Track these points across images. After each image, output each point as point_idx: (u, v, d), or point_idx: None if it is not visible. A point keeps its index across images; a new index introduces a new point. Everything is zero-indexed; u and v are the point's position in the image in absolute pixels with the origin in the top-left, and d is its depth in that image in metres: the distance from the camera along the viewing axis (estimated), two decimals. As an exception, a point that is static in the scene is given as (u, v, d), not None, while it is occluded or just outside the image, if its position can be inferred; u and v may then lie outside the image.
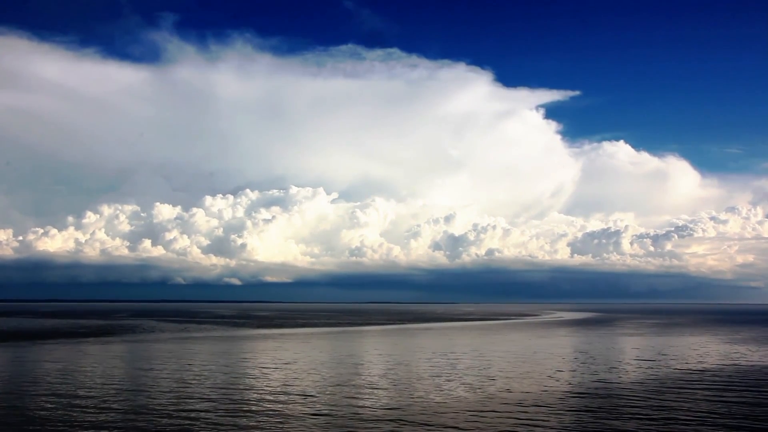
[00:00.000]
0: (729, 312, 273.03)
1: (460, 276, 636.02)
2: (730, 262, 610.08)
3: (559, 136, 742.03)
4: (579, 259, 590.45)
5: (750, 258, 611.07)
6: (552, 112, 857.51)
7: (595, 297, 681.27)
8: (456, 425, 25.59)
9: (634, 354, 56.08)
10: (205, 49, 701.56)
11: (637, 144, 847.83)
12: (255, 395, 32.51)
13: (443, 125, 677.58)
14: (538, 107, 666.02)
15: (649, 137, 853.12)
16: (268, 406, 29.59)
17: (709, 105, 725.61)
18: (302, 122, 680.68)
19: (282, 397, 31.81)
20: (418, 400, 31.29)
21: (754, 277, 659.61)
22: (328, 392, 33.50)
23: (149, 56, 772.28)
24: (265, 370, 42.78)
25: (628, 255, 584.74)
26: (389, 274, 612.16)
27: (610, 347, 64.32)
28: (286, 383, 36.78)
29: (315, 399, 31.44)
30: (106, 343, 68.44)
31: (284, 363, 47.59)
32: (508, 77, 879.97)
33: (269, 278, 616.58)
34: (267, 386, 35.55)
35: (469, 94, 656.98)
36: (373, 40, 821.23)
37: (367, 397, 32.17)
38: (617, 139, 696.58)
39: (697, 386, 35.92)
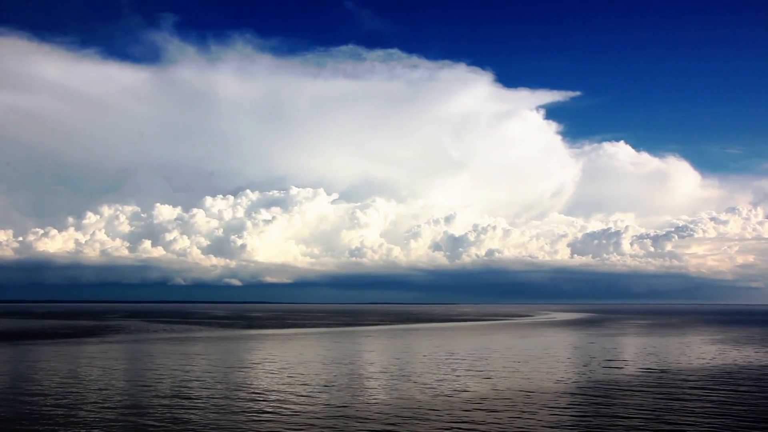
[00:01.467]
0: (727, 312, 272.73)
1: (460, 276, 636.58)
2: (731, 263, 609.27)
3: (559, 137, 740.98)
4: (579, 260, 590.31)
5: (750, 258, 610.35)
6: (552, 112, 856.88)
7: (596, 298, 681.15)
8: (384, 424, 25.71)
9: (601, 354, 56.00)
10: (206, 49, 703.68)
11: (638, 144, 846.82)
12: (200, 395, 32.64)
13: (443, 126, 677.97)
14: (538, 108, 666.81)
15: (649, 138, 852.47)
16: (213, 405, 29.72)
17: (710, 105, 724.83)
18: (303, 123, 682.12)
19: (228, 397, 31.95)
20: (358, 399, 31.40)
21: (755, 278, 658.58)
22: (277, 392, 33.61)
23: (149, 57, 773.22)
24: (225, 371, 42.90)
25: (628, 255, 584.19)
26: (389, 274, 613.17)
27: (582, 347, 64.29)
28: (241, 383, 36.89)
29: (263, 398, 31.56)
30: (84, 344, 68.61)
31: (253, 363, 47.72)
32: (509, 78, 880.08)
33: (269, 279, 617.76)
34: (217, 385, 35.66)
35: (469, 94, 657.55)
36: (373, 40, 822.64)
37: (313, 397, 32.27)
38: (617, 139, 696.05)
39: (646, 387, 35.99)
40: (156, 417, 27.26)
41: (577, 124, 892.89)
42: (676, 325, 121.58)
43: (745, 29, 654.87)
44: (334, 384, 36.86)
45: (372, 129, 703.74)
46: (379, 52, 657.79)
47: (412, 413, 28.15)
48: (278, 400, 31.52)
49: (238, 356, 54.63)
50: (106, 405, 29.98)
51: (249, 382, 37.51)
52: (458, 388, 35.22)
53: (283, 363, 48.22)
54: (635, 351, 60.17)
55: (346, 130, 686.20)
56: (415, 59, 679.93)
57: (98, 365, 46.45)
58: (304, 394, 33.40)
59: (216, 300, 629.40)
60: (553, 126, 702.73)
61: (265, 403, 30.67)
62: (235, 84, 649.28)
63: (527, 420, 26.79)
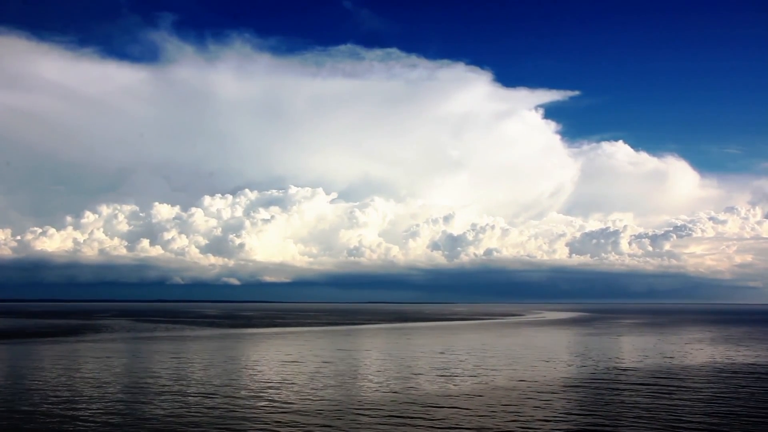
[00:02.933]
0: (723, 312, 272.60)
1: (459, 276, 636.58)
2: (729, 262, 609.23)
3: (558, 136, 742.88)
4: (577, 259, 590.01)
5: (749, 258, 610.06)
6: (551, 112, 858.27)
7: (594, 297, 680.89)
8: (325, 424, 25.73)
9: (570, 352, 55.99)
10: (204, 49, 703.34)
11: (636, 144, 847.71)
12: (152, 393, 32.67)
13: (442, 125, 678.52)
14: (537, 107, 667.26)
15: (648, 137, 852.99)
16: (160, 403, 29.75)
17: (708, 105, 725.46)
18: (301, 122, 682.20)
19: (182, 393, 31.97)
20: (306, 397, 31.42)
21: (753, 277, 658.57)
22: (224, 392, 33.61)
23: (148, 56, 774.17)
24: (188, 369, 42.91)
25: (626, 255, 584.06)
26: (387, 274, 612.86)
27: (555, 345, 64.29)
28: (199, 382, 36.89)
29: (214, 396, 31.57)
30: (58, 343, 68.65)
31: (219, 362, 47.74)
32: (508, 77, 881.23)
33: (268, 278, 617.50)
34: (174, 384, 35.68)
35: (468, 94, 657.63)
36: (372, 40, 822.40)
37: (250, 397, 32.28)
38: (616, 139, 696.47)
39: (601, 385, 36.00)
40: (102, 414, 27.29)
41: (576, 123, 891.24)
42: (661, 325, 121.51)
43: (745, 29, 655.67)
44: (287, 383, 36.88)
45: (371, 128, 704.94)
46: (378, 52, 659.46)
47: (332, 413, 28.18)
48: (228, 397, 31.54)
49: (207, 354, 54.61)
50: (52, 403, 30.01)
51: (205, 381, 37.51)
52: (407, 387, 35.25)
53: (248, 361, 48.25)
54: (605, 349, 60.10)
55: (345, 130, 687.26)
56: (413, 59, 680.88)
57: (62, 364, 46.51)
58: (253, 393, 33.41)
59: (214, 299, 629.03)
60: (551, 125, 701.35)
61: (216, 400, 30.68)
62: (234, 83, 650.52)
63: (461, 419, 26.81)
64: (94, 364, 46.39)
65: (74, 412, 27.94)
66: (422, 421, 26.33)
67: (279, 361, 48.85)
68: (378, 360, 50.54)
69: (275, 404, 30.07)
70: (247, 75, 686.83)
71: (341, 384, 36.66)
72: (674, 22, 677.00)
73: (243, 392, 33.55)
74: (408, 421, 26.46)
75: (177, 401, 30.75)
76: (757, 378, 40.04)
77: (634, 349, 61.47)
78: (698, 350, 60.85)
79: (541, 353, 56.30)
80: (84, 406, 29.53)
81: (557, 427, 25.34)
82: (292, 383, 36.86)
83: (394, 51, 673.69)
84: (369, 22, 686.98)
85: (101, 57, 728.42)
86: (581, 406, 29.83)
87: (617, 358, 52.50)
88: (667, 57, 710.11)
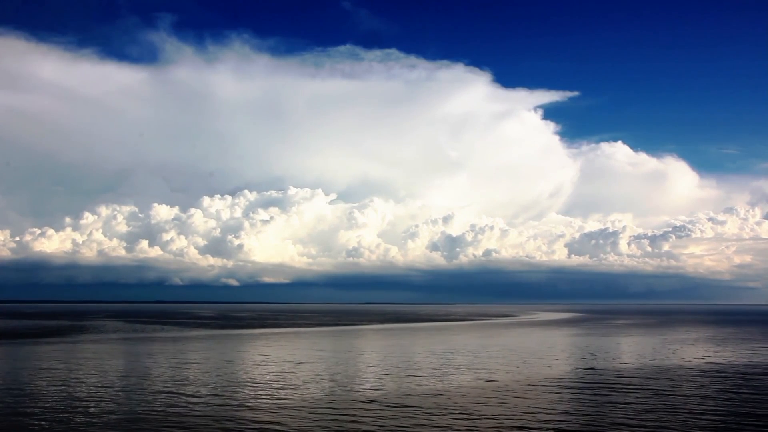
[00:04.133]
0: (720, 312, 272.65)
1: (458, 277, 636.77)
2: (728, 263, 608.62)
3: (557, 137, 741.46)
4: (576, 260, 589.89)
5: (748, 258, 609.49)
6: (550, 112, 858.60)
7: (593, 298, 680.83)
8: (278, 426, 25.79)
9: (550, 352, 55.99)
10: (203, 49, 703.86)
11: (636, 145, 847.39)
12: (116, 393, 32.74)
13: (442, 126, 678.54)
14: (536, 108, 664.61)
15: (647, 138, 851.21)
16: (121, 403, 29.81)
17: (707, 106, 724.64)
18: (301, 123, 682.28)
19: (146, 392, 32.04)
20: (268, 396, 31.49)
21: (752, 278, 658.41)
22: (186, 391, 33.67)
23: (147, 57, 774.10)
24: (160, 370, 42.98)
25: (625, 255, 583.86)
26: (386, 275, 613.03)
27: (536, 346, 64.24)
28: (168, 381, 36.96)
29: (177, 397, 31.64)
30: (38, 344, 68.72)
31: (190, 362, 47.79)
32: (507, 78, 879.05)
33: (267, 279, 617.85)
34: (137, 384, 35.75)
35: (467, 94, 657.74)
36: (371, 40, 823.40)
37: (209, 397, 32.36)
38: (615, 139, 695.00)
39: (567, 384, 36.04)
40: (59, 415, 27.37)
41: (575, 124, 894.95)
42: (649, 326, 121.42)
43: (743, 29, 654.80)
44: (255, 383, 36.94)
45: (370, 129, 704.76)
46: (377, 52, 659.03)
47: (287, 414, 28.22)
48: (191, 395, 31.60)
49: (185, 356, 54.61)
50: (17, 404, 30.09)
51: (174, 380, 37.56)
52: (370, 387, 35.31)
53: (218, 362, 48.31)
54: (582, 350, 60.07)
55: (344, 131, 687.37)
56: (413, 59, 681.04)
57: (32, 366, 46.60)
58: (214, 392, 33.47)
59: (213, 300, 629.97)
60: (551, 126, 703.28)
61: (175, 399, 30.74)
62: (233, 84, 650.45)
63: (430, 420, 26.85)
64: (67, 364, 46.44)
65: (31, 409, 28.02)
66: (356, 422, 26.38)
67: (251, 362, 48.90)
68: (348, 361, 50.51)
69: (229, 404, 30.13)
70: (246, 76, 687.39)
71: (301, 384, 36.69)
72: (673, 23, 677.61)
73: (203, 391, 33.59)
74: (348, 419, 26.51)
75: (137, 400, 30.83)
76: (708, 377, 40.04)
77: (609, 350, 61.46)
78: (673, 351, 60.77)
79: (519, 354, 56.28)
80: (42, 404, 29.59)
81: (502, 425, 25.39)
82: (256, 383, 36.89)
83: (393, 51, 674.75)
84: (368, 22, 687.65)
85: (100, 58, 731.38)
86: (534, 406, 29.86)
87: (590, 358, 52.47)
88: (665, 58, 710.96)
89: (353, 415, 27.61)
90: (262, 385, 36.18)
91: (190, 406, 29.80)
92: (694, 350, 61.28)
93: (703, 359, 52.10)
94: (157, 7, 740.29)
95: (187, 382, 37.37)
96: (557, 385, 36.74)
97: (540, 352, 57.96)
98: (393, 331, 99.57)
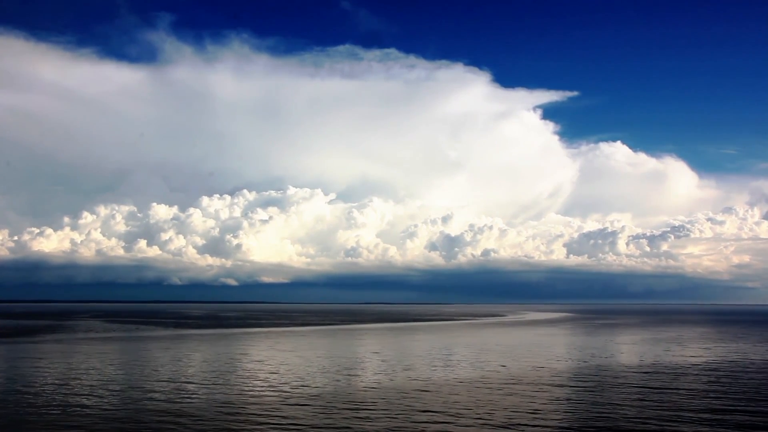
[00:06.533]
0: (716, 312, 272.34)
1: (456, 277, 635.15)
2: (727, 263, 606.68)
3: (556, 137, 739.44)
4: (575, 260, 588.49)
5: (746, 258, 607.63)
6: (550, 112, 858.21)
7: (592, 298, 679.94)
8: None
9: (509, 352, 55.66)
10: (202, 49, 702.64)
11: (635, 145, 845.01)
12: (62, 393, 32.47)
13: (441, 126, 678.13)
14: (535, 108, 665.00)
15: (646, 138, 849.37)
16: (64, 401, 29.56)
17: (707, 106, 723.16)
18: (300, 123, 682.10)
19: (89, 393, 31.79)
20: (198, 397, 31.21)
21: (751, 278, 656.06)
22: (121, 390, 33.40)
23: (146, 56, 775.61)
24: (114, 370, 42.73)
25: (624, 255, 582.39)
26: (385, 274, 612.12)
27: (499, 346, 63.91)
28: (116, 382, 36.68)
29: (119, 396, 31.37)
30: (6, 344, 68.60)
31: (146, 362, 47.56)
32: (506, 78, 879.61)
33: (265, 279, 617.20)
34: (85, 384, 35.49)
35: (466, 94, 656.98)
36: (370, 40, 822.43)
37: (127, 395, 32.06)
38: (615, 139, 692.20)
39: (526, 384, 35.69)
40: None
41: (575, 124, 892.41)
42: (632, 325, 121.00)
43: (742, 30, 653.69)
44: (205, 383, 36.66)
45: (369, 129, 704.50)
46: (377, 52, 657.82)
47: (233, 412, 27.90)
48: (138, 395, 31.32)
49: (149, 354, 54.38)
50: None
51: (124, 381, 37.30)
52: (294, 385, 35.03)
53: (170, 361, 48.05)
54: (548, 349, 59.69)
55: (344, 130, 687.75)
56: (412, 59, 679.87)
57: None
58: (144, 392, 33.17)
59: (211, 300, 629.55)
60: (550, 126, 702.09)
61: (112, 398, 30.47)
62: (232, 84, 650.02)
63: (377, 416, 26.53)
64: (20, 364, 46.22)
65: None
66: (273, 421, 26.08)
67: (204, 361, 48.64)
68: (309, 360, 50.14)
69: (159, 403, 29.85)
70: (246, 75, 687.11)
71: (237, 383, 36.41)
72: (672, 23, 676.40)
73: (135, 391, 33.32)
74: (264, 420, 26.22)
75: (60, 403, 30.57)
76: (642, 377, 39.69)
77: (574, 349, 61.08)
78: (634, 350, 60.38)
79: (471, 352, 55.99)
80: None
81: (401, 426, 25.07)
82: (188, 383, 36.61)
83: (392, 51, 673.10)
84: (367, 22, 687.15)
85: (99, 57, 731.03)
86: (463, 405, 29.53)
87: (550, 357, 52.11)
88: (665, 58, 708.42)
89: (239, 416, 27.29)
90: (179, 384, 35.93)
91: (97, 405, 29.52)
92: (654, 349, 60.85)
93: (659, 358, 51.74)
94: (156, 6, 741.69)
95: (114, 383, 37.11)
96: (484, 384, 36.39)
97: (495, 351, 57.59)
98: (365, 331, 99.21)
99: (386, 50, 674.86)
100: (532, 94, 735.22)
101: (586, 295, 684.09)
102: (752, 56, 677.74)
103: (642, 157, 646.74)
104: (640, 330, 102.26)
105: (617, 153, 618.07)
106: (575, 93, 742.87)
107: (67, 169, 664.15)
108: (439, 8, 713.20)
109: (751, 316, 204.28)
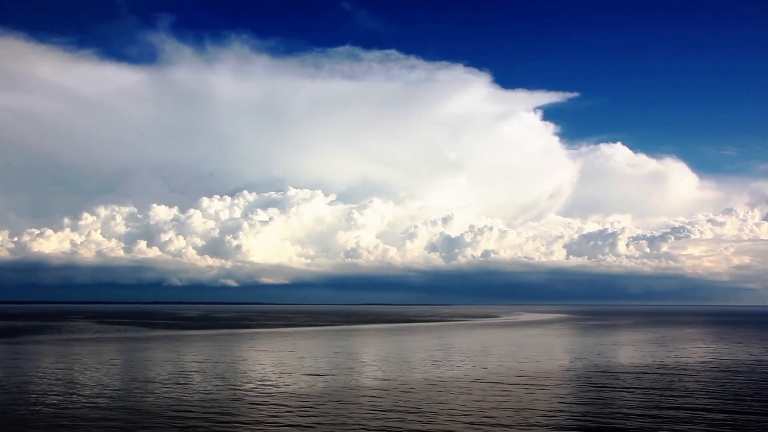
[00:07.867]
0: (714, 314, 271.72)
1: (456, 278, 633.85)
2: (727, 264, 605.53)
3: (556, 138, 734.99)
4: (575, 261, 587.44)
5: (746, 260, 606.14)
6: (550, 113, 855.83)
7: (592, 299, 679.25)
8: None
9: (486, 354, 55.42)
10: (202, 50, 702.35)
11: (635, 146, 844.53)
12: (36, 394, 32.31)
13: (441, 127, 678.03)
14: (536, 109, 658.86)
15: (646, 139, 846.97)
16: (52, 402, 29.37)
17: (707, 107, 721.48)
18: (300, 124, 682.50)
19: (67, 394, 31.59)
20: (163, 397, 31.02)
21: (751, 279, 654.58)
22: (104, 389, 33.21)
23: (146, 57, 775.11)
24: (92, 371, 42.55)
25: (624, 256, 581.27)
26: (385, 275, 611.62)
27: (472, 347, 63.65)
28: (92, 384, 36.49)
29: (99, 397, 31.17)
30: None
31: (124, 362, 47.42)
32: (506, 79, 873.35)
33: (265, 280, 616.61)
34: (60, 385, 35.31)
35: (467, 95, 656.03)
36: (370, 41, 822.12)
37: (113, 395, 31.86)
38: (615, 140, 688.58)
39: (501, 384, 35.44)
40: None
41: (575, 125, 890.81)
42: (622, 326, 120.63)
43: (743, 31, 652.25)
44: (184, 383, 36.45)
45: (370, 130, 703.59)
46: (377, 53, 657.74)
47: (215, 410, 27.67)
48: (114, 396, 31.12)
49: (131, 355, 54.21)
50: None
51: (97, 383, 37.11)
52: (251, 387, 34.82)
53: (149, 362, 47.87)
54: (530, 349, 59.44)
55: (344, 131, 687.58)
56: (412, 60, 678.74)
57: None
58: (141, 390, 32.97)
59: (212, 301, 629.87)
60: (550, 127, 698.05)
61: (95, 399, 30.28)
62: (232, 85, 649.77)
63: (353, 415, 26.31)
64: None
65: None
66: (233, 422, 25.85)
67: (177, 361, 48.44)
68: (283, 360, 49.94)
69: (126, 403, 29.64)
70: (246, 76, 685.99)
71: (225, 383, 36.19)
72: (672, 24, 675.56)
73: (105, 391, 33.13)
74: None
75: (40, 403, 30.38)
76: (631, 377, 39.42)
77: (555, 350, 60.81)
78: (620, 351, 60.10)
79: (446, 354, 55.75)
80: None
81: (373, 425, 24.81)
82: (154, 383, 36.40)
83: (392, 52, 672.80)
84: (367, 23, 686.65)
85: (99, 58, 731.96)
86: (411, 406, 29.28)
87: (527, 358, 51.86)
88: (665, 59, 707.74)
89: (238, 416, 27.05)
90: (160, 385, 35.71)
91: (77, 407, 29.32)
92: (632, 351, 60.58)
93: (642, 360, 51.47)
94: (156, 7, 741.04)
95: (81, 385, 36.92)
96: (459, 384, 36.14)
97: (475, 352, 57.34)
98: (353, 332, 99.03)
99: (386, 51, 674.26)
100: (532, 95, 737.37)
101: (586, 297, 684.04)
102: (752, 57, 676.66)
103: (642, 158, 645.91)
104: (630, 331, 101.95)
105: (617, 154, 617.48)
106: (575, 94, 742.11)
107: (67, 169, 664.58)
108: (439, 9, 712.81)
109: (751, 318, 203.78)
